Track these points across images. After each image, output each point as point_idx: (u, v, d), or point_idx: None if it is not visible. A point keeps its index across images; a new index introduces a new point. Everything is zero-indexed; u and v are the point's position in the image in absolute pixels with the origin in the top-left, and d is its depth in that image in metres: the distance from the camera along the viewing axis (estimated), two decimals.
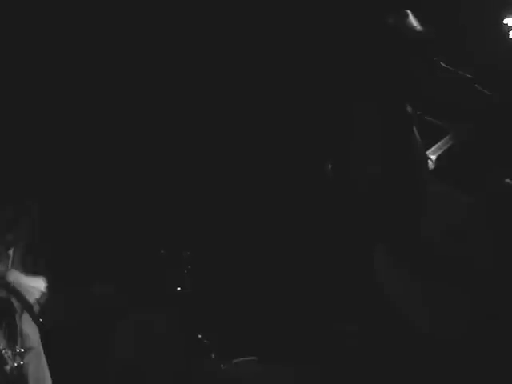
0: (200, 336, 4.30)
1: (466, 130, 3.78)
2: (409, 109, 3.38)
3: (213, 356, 4.25)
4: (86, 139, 4.85)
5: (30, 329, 3.56)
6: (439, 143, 3.78)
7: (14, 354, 3.38)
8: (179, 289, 4.41)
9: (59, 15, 4.71)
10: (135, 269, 4.69)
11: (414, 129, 3.45)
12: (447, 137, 3.78)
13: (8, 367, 3.32)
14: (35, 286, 3.56)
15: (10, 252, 3.62)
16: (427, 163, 3.58)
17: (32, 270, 3.64)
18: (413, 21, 3.34)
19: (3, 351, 3.34)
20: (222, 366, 4.18)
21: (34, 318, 3.62)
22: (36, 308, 3.58)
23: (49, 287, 3.70)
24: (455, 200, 3.45)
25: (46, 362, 3.60)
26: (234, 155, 5.00)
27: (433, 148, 3.76)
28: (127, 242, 4.81)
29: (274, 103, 4.93)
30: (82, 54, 4.81)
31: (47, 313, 3.73)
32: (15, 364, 3.35)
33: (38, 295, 3.56)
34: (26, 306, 3.55)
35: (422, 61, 3.35)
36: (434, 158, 3.73)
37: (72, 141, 4.81)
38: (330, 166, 3.45)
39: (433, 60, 3.38)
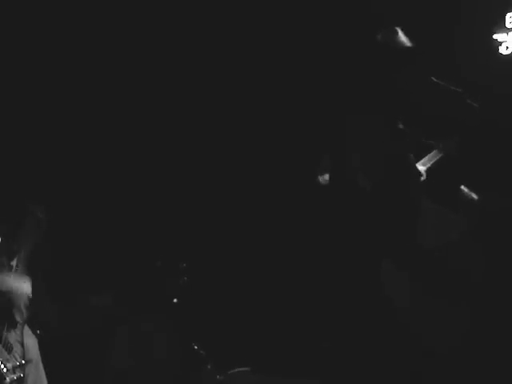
0: (196, 347, 4.31)
1: (455, 143, 3.82)
2: (400, 124, 3.44)
3: (209, 367, 4.25)
4: (85, 149, 4.87)
5: (29, 339, 3.56)
6: (429, 155, 3.82)
7: (15, 367, 3.37)
8: (175, 300, 4.43)
9: (59, 15, 4.75)
10: (132, 280, 4.70)
11: (405, 143, 3.51)
12: (436, 149, 3.82)
13: (7, 381, 3.29)
14: (22, 291, 3.54)
15: (13, 263, 3.63)
16: (418, 177, 3.62)
17: (32, 279, 3.65)
18: (402, 37, 3.41)
19: (3, 365, 3.31)
20: (218, 376, 4.18)
21: (33, 328, 3.63)
22: (25, 313, 3.56)
23: (47, 298, 3.70)
24: (444, 214, 3.52)
25: (44, 372, 3.60)
26: (232, 167, 5.02)
27: (423, 160, 3.80)
28: (124, 253, 4.83)
29: (271, 113, 4.97)
30: (85, 55, 4.84)
31: (45, 324, 3.74)
32: (15, 377, 3.33)
33: (26, 300, 3.54)
34: (19, 314, 3.53)
35: (412, 74, 3.40)
36: (423, 169, 3.77)
37: (72, 148, 4.82)
38: (323, 178, 3.50)
39: (423, 73, 3.44)
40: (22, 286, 3.55)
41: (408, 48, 3.39)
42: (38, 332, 3.76)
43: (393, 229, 3.32)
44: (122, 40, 4.91)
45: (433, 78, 3.53)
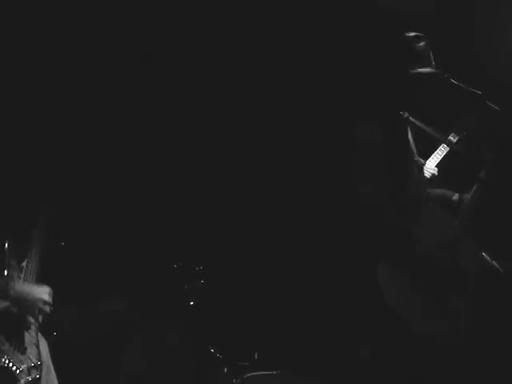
0: (212, 350, 4.30)
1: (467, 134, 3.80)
2: (405, 128, 3.45)
3: (225, 370, 4.24)
4: (95, 152, 4.86)
5: (41, 343, 3.54)
6: (437, 152, 3.81)
7: (30, 368, 3.33)
8: (192, 303, 4.42)
9: (59, 15, 4.74)
10: (148, 283, 4.70)
11: (410, 147, 3.52)
12: (443, 145, 3.81)
13: (22, 383, 3.25)
14: (38, 296, 3.48)
15: (23, 264, 3.61)
16: (422, 185, 3.62)
17: (43, 283, 3.62)
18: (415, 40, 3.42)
19: (15, 367, 3.28)
20: (234, 380, 4.16)
21: (45, 331, 3.61)
22: (40, 319, 3.53)
23: (61, 302, 3.68)
24: (445, 214, 3.51)
25: (55, 375, 3.58)
26: (245, 172, 5.02)
27: (431, 157, 3.79)
28: (140, 257, 4.82)
29: (274, 116, 4.97)
30: (84, 55, 4.84)
31: (58, 327, 3.73)
32: (30, 378, 3.30)
33: (41, 305, 3.49)
34: (34, 318, 3.50)
35: (430, 78, 3.39)
36: (433, 166, 3.75)
37: (82, 152, 4.82)
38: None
39: (443, 76, 3.42)
40: (34, 291, 3.49)
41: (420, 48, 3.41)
42: (55, 334, 3.75)
43: (391, 231, 3.33)
44: (122, 40, 4.90)
45: (453, 80, 3.50)
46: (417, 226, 3.43)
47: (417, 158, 3.69)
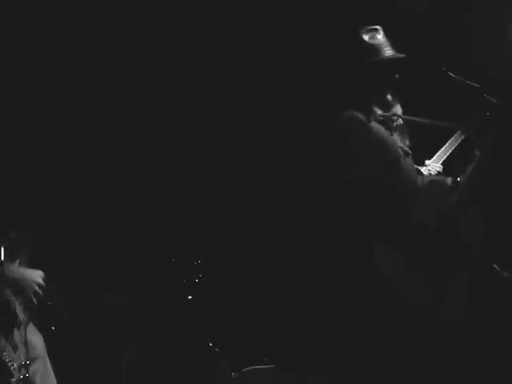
0: (211, 344, 4.31)
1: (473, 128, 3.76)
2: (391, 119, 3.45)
3: (224, 364, 4.24)
4: (96, 147, 4.87)
5: (34, 337, 3.55)
6: (442, 149, 3.79)
7: (20, 366, 3.34)
8: (190, 297, 4.43)
9: (59, 15, 4.75)
10: (146, 277, 4.70)
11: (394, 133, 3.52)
12: (449, 141, 3.79)
13: (14, 379, 3.27)
14: (32, 278, 3.50)
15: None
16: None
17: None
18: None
19: (9, 363, 3.29)
20: (233, 374, 4.17)
21: (43, 325, 3.62)
22: (33, 302, 3.52)
23: (61, 296, 3.69)
24: (445, 187, 3.50)
25: (51, 369, 3.59)
26: (245, 166, 5.02)
27: (437, 154, 3.78)
28: (138, 251, 4.83)
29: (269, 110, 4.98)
30: (83, 54, 4.85)
31: (57, 321, 3.73)
32: (21, 376, 3.31)
33: (36, 288, 3.50)
34: (27, 304, 3.50)
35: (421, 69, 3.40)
36: (439, 164, 3.74)
37: (84, 147, 4.83)
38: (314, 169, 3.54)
39: (439, 69, 3.42)
40: (29, 274, 3.51)
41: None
42: (53, 328, 3.75)
43: (386, 210, 3.33)
44: (122, 40, 4.90)
45: (450, 74, 3.50)
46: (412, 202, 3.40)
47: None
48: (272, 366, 4.18)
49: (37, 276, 3.53)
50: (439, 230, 3.37)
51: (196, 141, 5.04)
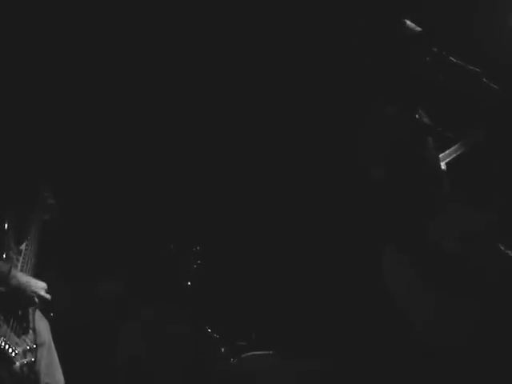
0: (209, 330, 4.31)
1: (477, 136, 3.73)
2: (419, 114, 3.40)
3: (222, 350, 4.25)
4: (93, 136, 4.86)
5: (40, 323, 3.55)
6: (450, 149, 3.75)
7: (25, 351, 3.34)
8: (189, 283, 4.43)
9: (59, 15, 4.73)
10: (145, 264, 4.70)
11: (424, 132, 3.47)
12: (458, 143, 3.74)
13: (17, 365, 3.27)
14: (34, 290, 3.50)
15: (22, 247, 3.62)
16: (438, 167, 3.55)
17: (43, 266, 3.62)
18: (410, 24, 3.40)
19: (11, 349, 3.28)
20: (231, 360, 4.18)
21: (45, 312, 3.62)
22: (39, 305, 3.55)
23: (59, 284, 3.69)
24: (469, 208, 3.42)
25: (56, 355, 3.59)
26: (243, 153, 5.02)
27: (443, 154, 3.74)
28: (136, 237, 4.83)
29: (280, 103, 4.96)
30: (84, 55, 4.84)
31: (57, 309, 3.73)
32: (25, 361, 3.31)
33: (36, 300, 3.51)
34: (30, 303, 3.51)
35: (425, 58, 3.36)
36: (443, 164, 3.70)
37: (80, 138, 4.83)
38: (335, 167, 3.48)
39: (440, 54, 3.39)
40: (32, 285, 3.51)
41: (416, 33, 3.37)
42: (52, 315, 3.76)
43: (401, 218, 3.28)
44: (122, 40, 4.89)
45: (451, 58, 3.48)
46: (438, 219, 3.31)
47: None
48: (270, 352, 4.19)
49: (40, 288, 3.54)
50: (463, 251, 3.26)
51: (199, 130, 5.04)
